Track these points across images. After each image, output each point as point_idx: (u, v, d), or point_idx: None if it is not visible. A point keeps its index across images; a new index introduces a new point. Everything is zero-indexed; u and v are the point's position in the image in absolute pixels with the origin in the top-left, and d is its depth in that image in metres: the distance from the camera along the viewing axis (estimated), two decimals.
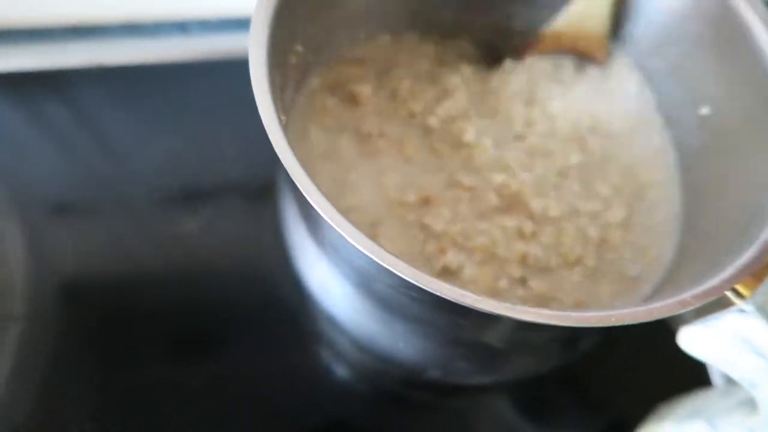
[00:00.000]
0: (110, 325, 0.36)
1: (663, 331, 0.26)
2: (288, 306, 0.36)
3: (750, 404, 0.27)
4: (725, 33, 0.29)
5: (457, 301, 0.20)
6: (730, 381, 0.27)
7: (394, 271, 0.21)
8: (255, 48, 0.24)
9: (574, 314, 0.21)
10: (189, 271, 0.38)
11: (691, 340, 0.25)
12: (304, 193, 0.21)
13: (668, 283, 0.30)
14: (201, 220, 0.39)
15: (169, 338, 0.36)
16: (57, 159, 0.40)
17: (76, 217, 0.39)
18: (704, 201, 0.31)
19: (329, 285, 0.34)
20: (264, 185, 0.40)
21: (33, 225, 0.38)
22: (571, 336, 0.34)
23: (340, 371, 0.36)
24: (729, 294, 0.23)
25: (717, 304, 0.24)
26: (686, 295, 0.22)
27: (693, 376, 0.30)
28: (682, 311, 0.22)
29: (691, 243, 0.31)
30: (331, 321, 0.36)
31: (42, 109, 0.42)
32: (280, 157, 0.22)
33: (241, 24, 0.47)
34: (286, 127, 0.25)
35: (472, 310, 0.20)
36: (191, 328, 0.36)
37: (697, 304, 0.22)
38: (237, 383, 0.35)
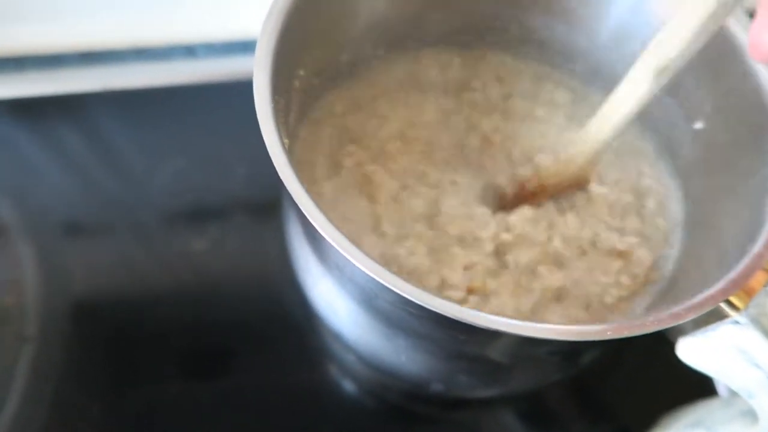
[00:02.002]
0: (121, 344, 0.36)
1: (665, 342, 0.26)
2: (294, 322, 0.37)
3: (751, 414, 0.27)
4: (716, 49, 0.30)
5: (454, 317, 0.20)
6: (733, 391, 0.27)
7: (395, 289, 0.21)
8: (259, 76, 0.25)
9: (572, 328, 0.22)
10: (198, 290, 0.38)
11: (689, 351, 0.25)
12: (309, 217, 0.22)
13: (668, 293, 0.30)
14: (209, 239, 0.39)
15: (179, 355, 0.36)
16: (69, 181, 0.41)
17: (88, 237, 0.40)
18: (701, 213, 0.31)
19: (334, 302, 0.35)
20: (270, 204, 0.41)
21: (46, 246, 0.39)
22: (572, 349, 0.35)
23: (346, 385, 0.36)
24: (723, 306, 0.23)
25: (714, 316, 0.24)
26: (679, 308, 0.22)
27: (698, 386, 0.30)
28: (676, 324, 0.22)
29: (691, 253, 0.32)
30: (337, 337, 0.36)
31: (55, 132, 0.43)
32: (284, 182, 0.23)
33: (246, 47, 0.48)
34: (290, 150, 0.26)
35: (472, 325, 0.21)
36: (201, 346, 0.37)
37: (690, 317, 0.22)
38: (246, 398, 0.35)
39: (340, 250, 0.22)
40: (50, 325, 0.37)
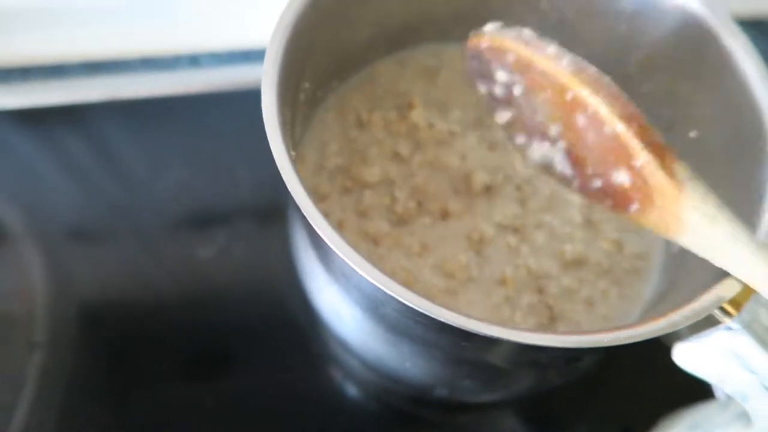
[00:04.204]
0: (128, 349, 0.37)
1: (663, 346, 0.27)
2: (299, 328, 0.37)
3: (746, 417, 0.28)
4: (709, 60, 0.30)
5: (456, 325, 0.21)
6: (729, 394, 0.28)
7: (400, 298, 0.22)
8: (267, 93, 0.26)
9: (571, 337, 0.23)
10: (203, 295, 0.39)
11: (685, 355, 0.26)
12: (316, 228, 0.23)
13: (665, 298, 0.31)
14: (214, 246, 0.40)
15: (185, 360, 0.37)
16: (76, 189, 0.42)
17: (94, 244, 0.40)
18: None
19: (339, 308, 0.35)
20: (274, 210, 0.41)
21: (53, 253, 0.39)
22: (573, 354, 0.36)
23: (351, 390, 0.37)
24: (717, 312, 0.24)
25: (708, 321, 0.25)
26: (675, 315, 0.23)
27: (696, 389, 0.30)
28: (672, 331, 0.23)
29: (686, 258, 0.32)
30: (341, 343, 0.37)
31: (62, 141, 0.43)
32: (294, 196, 0.23)
33: (249, 56, 0.48)
34: (295, 161, 0.27)
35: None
36: (207, 351, 0.37)
37: (686, 324, 0.23)
38: (252, 403, 0.36)
39: (350, 263, 0.22)
40: (58, 331, 0.37)
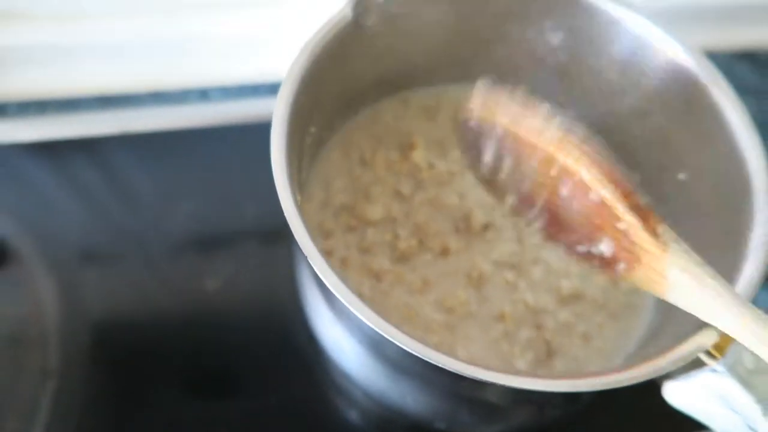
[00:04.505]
0: (138, 373, 0.38)
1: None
2: (303, 358, 0.38)
3: None
4: (698, 111, 0.32)
5: (448, 368, 0.22)
6: None
7: (396, 342, 0.23)
8: (276, 140, 0.27)
9: (562, 381, 0.24)
10: (210, 322, 0.40)
11: (674, 394, 0.27)
12: (318, 273, 0.24)
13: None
14: (221, 274, 0.41)
15: (192, 384, 0.37)
16: (89, 218, 0.43)
17: (106, 271, 0.41)
18: None
19: (341, 343, 0.36)
20: (280, 241, 0.42)
21: (66, 279, 0.40)
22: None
23: (354, 420, 0.37)
24: (702, 355, 0.25)
25: (696, 363, 0.26)
26: (661, 361, 0.24)
27: (695, 425, 0.30)
28: (656, 376, 0.24)
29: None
30: (344, 375, 0.37)
31: (75, 172, 0.44)
32: (299, 243, 0.25)
33: (257, 90, 0.49)
34: (300, 205, 0.28)
35: None
36: (213, 378, 0.38)
37: (668, 371, 0.24)
38: (257, 428, 0.36)
39: (348, 306, 0.24)
40: (70, 356, 0.38)
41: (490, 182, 0.30)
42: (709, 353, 0.25)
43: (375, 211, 0.36)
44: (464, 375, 0.23)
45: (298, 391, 0.38)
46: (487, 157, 0.28)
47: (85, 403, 0.37)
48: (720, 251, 0.29)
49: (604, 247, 0.26)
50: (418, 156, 0.38)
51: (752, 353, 0.25)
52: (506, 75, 0.35)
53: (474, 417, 0.36)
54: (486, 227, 0.36)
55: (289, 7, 0.49)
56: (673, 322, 0.32)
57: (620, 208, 0.25)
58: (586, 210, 0.26)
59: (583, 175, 0.25)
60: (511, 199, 0.29)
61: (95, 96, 0.48)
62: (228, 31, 0.49)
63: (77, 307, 0.39)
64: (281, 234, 0.42)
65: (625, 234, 0.25)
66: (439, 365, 0.22)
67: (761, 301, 0.42)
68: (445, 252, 0.36)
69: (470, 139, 0.29)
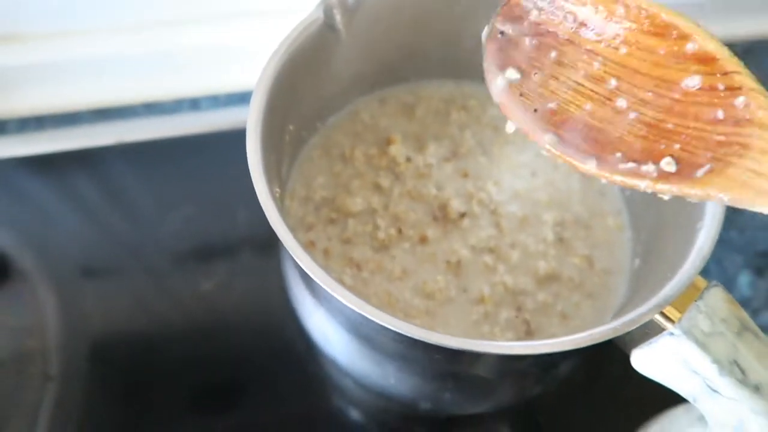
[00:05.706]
0: (136, 381, 0.39)
1: None
2: (295, 353, 0.39)
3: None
4: None
5: (421, 339, 0.24)
6: None
7: (371, 317, 0.25)
8: (251, 137, 0.29)
9: (535, 343, 0.25)
10: (206, 326, 0.41)
11: (641, 361, 0.28)
12: (293, 256, 0.26)
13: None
14: (215, 280, 0.42)
15: (191, 391, 0.39)
16: (86, 229, 0.44)
17: (104, 281, 0.42)
18: (653, 242, 0.35)
19: (327, 332, 0.38)
20: (270, 244, 0.43)
21: (65, 290, 0.41)
22: (548, 361, 0.38)
23: (346, 409, 0.38)
24: (660, 320, 0.27)
25: (657, 330, 0.27)
26: (617, 322, 0.26)
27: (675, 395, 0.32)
28: (615, 336, 0.26)
29: (641, 275, 0.35)
30: (334, 364, 0.39)
31: (73, 184, 0.46)
32: (276, 231, 0.26)
33: (246, 98, 0.51)
34: (279, 198, 0.30)
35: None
36: (211, 381, 0.39)
37: (627, 330, 0.26)
38: (256, 429, 0.38)
39: (324, 287, 0.25)
40: (71, 364, 0.39)
41: (523, 95, 0.24)
42: (665, 316, 0.27)
43: (355, 204, 0.38)
44: (436, 344, 0.24)
45: (295, 387, 0.39)
46: (523, 62, 0.24)
47: (85, 412, 0.38)
48: (680, 232, 0.30)
49: (678, 151, 0.20)
50: (396, 150, 0.39)
51: (707, 316, 0.26)
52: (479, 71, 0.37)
53: (456, 395, 0.37)
54: (463, 215, 0.38)
55: (275, 18, 0.51)
56: (642, 297, 0.34)
57: (738, 65, 0.19)
58: (671, 92, 0.20)
59: (679, 24, 0.19)
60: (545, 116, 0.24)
61: (91, 109, 0.50)
62: (216, 43, 0.51)
63: (76, 316, 0.41)
64: (271, 237, 0.43)
65: (736, 112, 0.18)
66: (401, 332, 0.24)
67: (743, 286, 0.44)
68: (423, 240, 0.37)
69: (500, 55, 0.25)
